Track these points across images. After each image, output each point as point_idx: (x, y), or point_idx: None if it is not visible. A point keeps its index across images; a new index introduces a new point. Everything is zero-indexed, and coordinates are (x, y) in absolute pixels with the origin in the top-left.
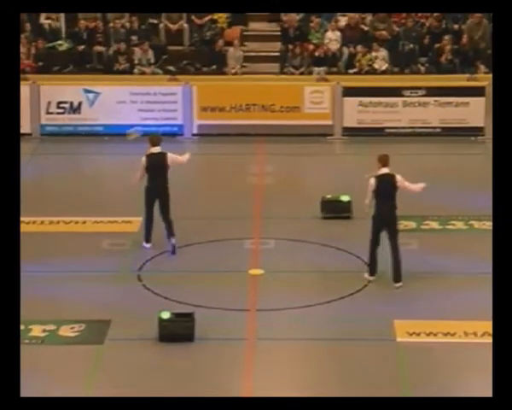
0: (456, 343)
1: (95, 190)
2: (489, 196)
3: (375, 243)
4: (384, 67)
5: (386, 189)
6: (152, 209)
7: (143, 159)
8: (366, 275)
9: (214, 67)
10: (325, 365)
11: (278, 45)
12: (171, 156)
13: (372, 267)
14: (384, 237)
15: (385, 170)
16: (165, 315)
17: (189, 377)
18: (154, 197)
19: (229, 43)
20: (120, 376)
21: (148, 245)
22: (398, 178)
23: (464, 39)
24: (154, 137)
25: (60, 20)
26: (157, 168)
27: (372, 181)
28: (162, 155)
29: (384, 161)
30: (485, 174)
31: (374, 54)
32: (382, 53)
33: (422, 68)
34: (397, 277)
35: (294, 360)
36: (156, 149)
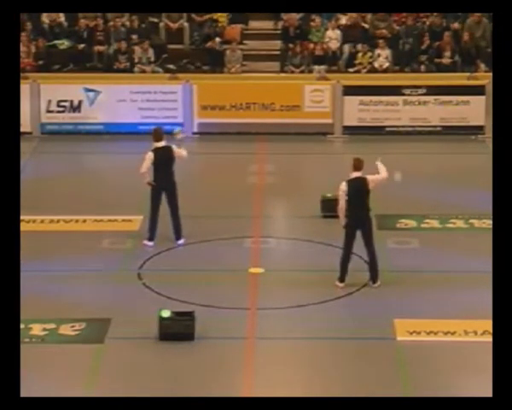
0: (457, 342)
1: (95, 188)
2: (489, 194)
3: (349, 248)
4: (385, 66)
5: (357, 193)
6: (158, 205)
7: (150, 153)
8: (337, 283)
9: (213, 66)
10: (325, 364)
11: (278, 44)
12: (176, 150)
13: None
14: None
15: (356, 174)
16: (166, 314)
17: (189, 376)
18: (160, 191)
19: (228, 42)
20: (120, 375)
21: (150, 243)
22: (369, 179)
23: (465, 37)
24: (156, 132)
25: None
26: (164, 162)
27: (343, 186)
28: (168, 148)
29: (356, 166)
30: (486, 173)
31: (378, 52)
32: (386, 51)
33: (423, 67)
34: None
35: (294, 360)
36: (161, 144)
